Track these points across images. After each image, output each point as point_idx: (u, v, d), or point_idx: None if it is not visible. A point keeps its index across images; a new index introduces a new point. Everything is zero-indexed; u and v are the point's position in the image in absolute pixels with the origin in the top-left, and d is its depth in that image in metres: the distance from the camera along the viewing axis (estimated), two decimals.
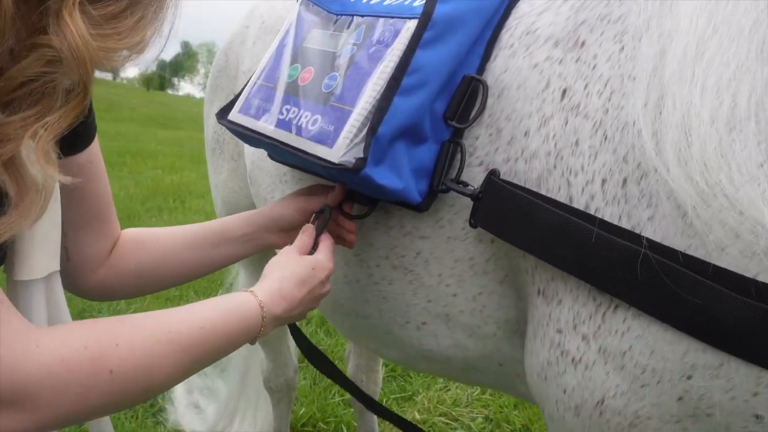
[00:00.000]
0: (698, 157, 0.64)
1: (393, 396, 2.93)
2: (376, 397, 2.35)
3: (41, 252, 0.76)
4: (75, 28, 0.58)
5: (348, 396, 2.70)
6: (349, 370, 2.24)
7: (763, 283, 0.61)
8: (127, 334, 0.66)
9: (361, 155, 0.81)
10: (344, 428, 2.73)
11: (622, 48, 0.77)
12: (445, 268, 0.96)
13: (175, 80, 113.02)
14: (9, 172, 0.59)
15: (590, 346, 0.76)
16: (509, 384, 1.02)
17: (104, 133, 12.26)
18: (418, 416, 2.88)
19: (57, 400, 0.61)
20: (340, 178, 0.91)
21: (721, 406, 0.66)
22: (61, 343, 0.62)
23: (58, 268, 0.79)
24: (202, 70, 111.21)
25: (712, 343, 0.65)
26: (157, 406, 2.48)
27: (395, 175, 0.84)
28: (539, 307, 0.83)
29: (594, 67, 0.78)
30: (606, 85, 0.77)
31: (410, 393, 2.97)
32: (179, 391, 2.44)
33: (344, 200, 0.99)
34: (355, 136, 0.83)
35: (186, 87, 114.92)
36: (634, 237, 0.69)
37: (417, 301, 1.01)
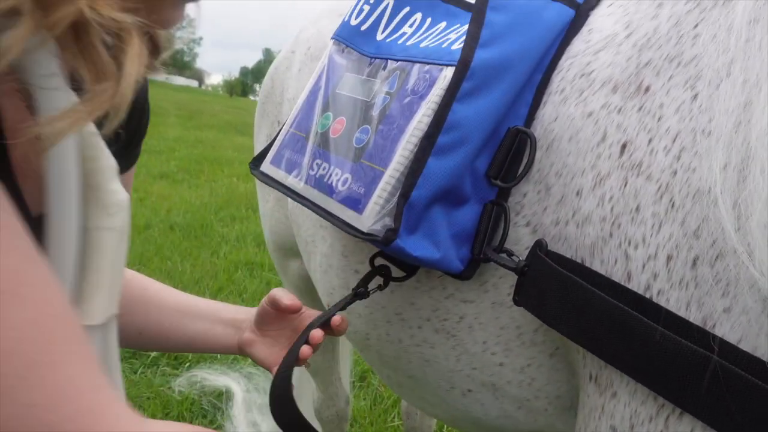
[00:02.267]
0: None
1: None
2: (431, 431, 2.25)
3: (104, 293, 0.68)
4: None
5: None
6: (403, 404, 2.16)
7: None
8: None
9: (392, 225, 0.72)
10: None
11: (695, 96, 0.64)
12: (491, 336, 0.85)
13: (257, 86, 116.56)
14: (83, 56, 0.48)
15: None
16: None
17: (185, 141, 12.77)
18: None
19: None
20: (371, 244, 0.83)
21: None
22: None
23: (116, 311, 0.72)
24: None
25: None
26: (216, 423, 2.49)
27: (432, 244, 0.75)
28: (591, 395, 0.72)
29: (660, 119, 0.66)
30: (674, 140, 0.65)
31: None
32: (239, 407, 2.44)
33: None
34: (387, 201, 0.74)
35: None
36: (703, 335, 0.57)
37: (461, 368, 0.91)
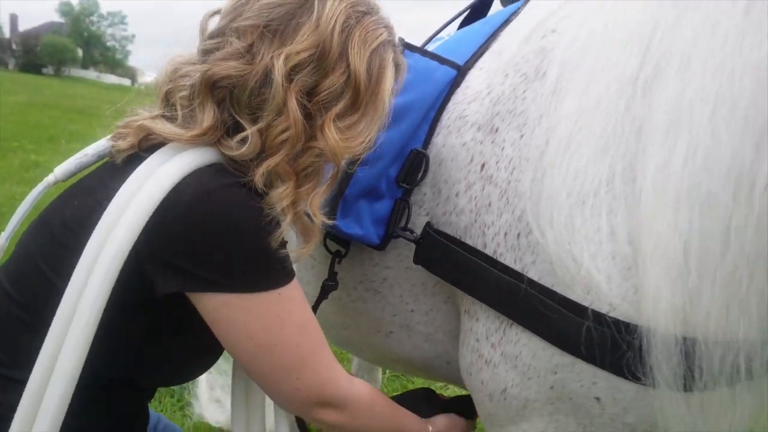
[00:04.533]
0: (556, 222, 0.94)
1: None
2: None
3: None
4: (331, 136, 0.94)
5: None
6: (353, 368, 2.55)
7: (593, 310, 0.91)
8: (390, 409, 1.16)
9: (333, 212, 1.12)
10: None
11: (522, 135, 1.06)
12: (405, 291, 1.26)
13: None
14: (298, 221, 1.00)
15: (496, 351, 1.06)
16: (456, 377, 1.32)
17: None
18: None
19: (357, 412, 1.07)
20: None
21: (575, 392, 0.97)
22: (366, 390, 1.10)
23: None
24: None
25: (566, 349, 0.95)
26: (183, 401, 2.76)
27: (358, 225, 1.15)
28: (465, 322, 1.13)
29: (503, 149, 1.08)
30: (510, 162, 1.06)
31: None
32: (203, 387, 2.74)
33: None
34: (329, 197, 1.14)
35: None
36: (519, 276, 0.99)
37: (385, 316, 1.31)
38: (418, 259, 1.15)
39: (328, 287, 1.27)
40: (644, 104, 0.91)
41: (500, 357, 1.05)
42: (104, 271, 0.88)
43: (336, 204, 1.13)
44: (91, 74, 72.50)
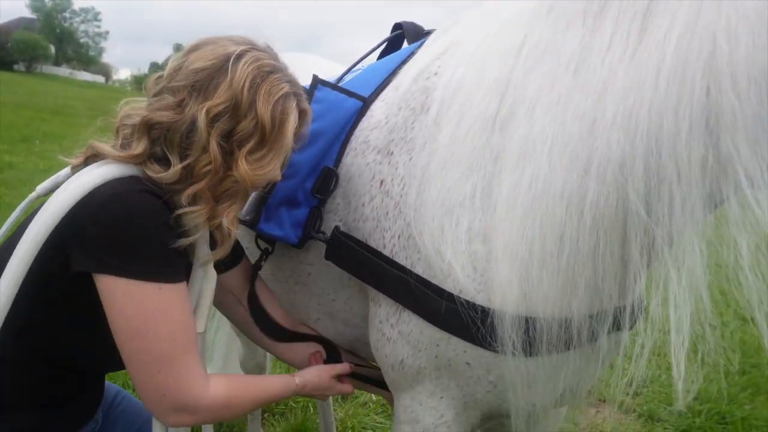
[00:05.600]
0: (429, 227, 1.21)
1: None
2: None
3: (205, 312, 1.39)
4: (243, 167, 1.20)
5: None
6: None
7: (457, 296, 1.18)
8: (250, 391, 1.34)
9: (257, 216, 1.41)
10: (310, 407, 3.28)
11: (410, 158, 1.32)
12: (326, 283, 1.52)
13: None
14: (218, 230, 1.29)
15: (394, 330, 1.33)
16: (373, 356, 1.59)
17: None
18: (374, 397, 3.42)
19: (210, 415, 1.27)
20: (245, 226, 1.47)
21: (452, 359, 1.24)
22: (221, 391, 1.25)
23: (204, 329, 1.40)
24: None
25: (442, 328, 1.22)
26: None
27: (278, 228, 1.42)
28: (372, 308, 1.40)
29: (396, 168, 1.34)
30: (401, 180, 1.32)
31: None
32: None
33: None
34: (253, 201, 1.41)
35: None
36: (408, 271, 1.26)
37: (311, 305, 1.57)
38: (328, 256, 1.41)
39: (255, 269, 1.54)
40: (500, 138, 1.18)
41: (397, 335, 1.32)
42: (25, 246, 1.14)
43: (260, 210, 1.40)
44: (63, 71, 71.61)
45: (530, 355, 1.17)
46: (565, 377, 1.22)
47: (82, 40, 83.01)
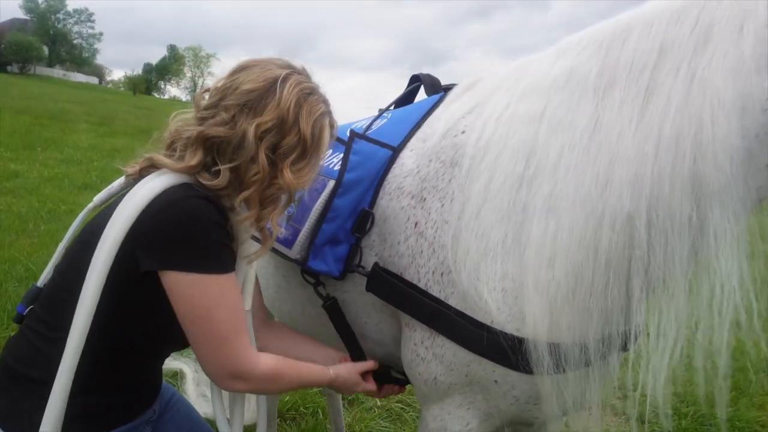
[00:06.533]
0: (467, 267, 1.42)
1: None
2: None
3: (250, 293, 1.60)
4: (288, 176, 1.38)
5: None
6: None
7: (489, 326, 1.41)
8: (294, 370, 1.51)
9: (306, 255, 1.62)
10: (320, 412, 3.49)
11: (443, 205, 1.53)
12: (360, 308, 1.74)
13: (162, 84, 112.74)
14: (262, 231, 1.47)
15: (428, 351, 1.54)
16: (398, 369, 1.80)
17: (100, 150, 12.86)
18: (379, 403, 3.65)
19: (259, 385, 1.45)
20: (297, 265, 1.70)
21: (481, 377, 1.46)
22: (270, 365, 1.44)
23: (250, 307, 1.59)
24: (188, 74, 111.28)
25: (474, 351, 1.44)
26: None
27: (324, 264, 1.63)
28: (406, 332, 1.62)
29: (429, 213, 1.54)
30: (435, 223, 1.53)
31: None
32: (190, 384, 3.15)
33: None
34: (303, 243, 1.63)
35: (172, 90, 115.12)
36: (442, 303, 1.48)
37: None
38: (369, 288, 1.62)
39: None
40: (528, 193, 1.40)
41: (432, 356, 1.54)
42: (104, 253, 1.29)
43: (308, 250, 1.62)
44: (57, 72, 71.49)
45: (558, 372, 1.40)
46: (587, 388, 1.45)
47: (75, 42, 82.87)
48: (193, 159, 1.37)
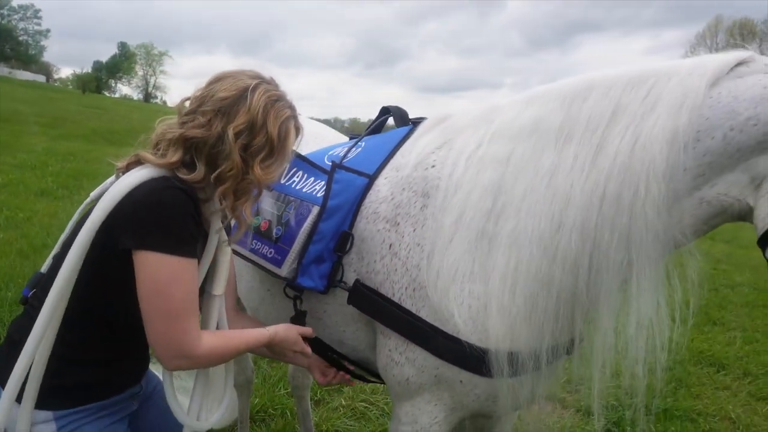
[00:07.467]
0: (439, 288, 1.65)
1: (325, 387, 3.87)
2: (309, 387, 3.34)
3: (223, 279, 1.79)
4: (258, 172, 1.58)
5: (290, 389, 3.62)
6: (290, 370, 3.23)
7: (455, 337, 1.64)
8: (234, 342, 1.68)
9: (294, 274, 1.83)
10: (288, 413, 3.66)
11: (414, 230, 1.74)
12: (339, 318, 1.95)
13: (112, 82, 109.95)
14: (237, 219, 1.67)
15: (402, 356, 1.76)
16: (373, 372, 2.01)
17: (55, 154, 12.63)
18: (344, 402, 3.86)
19: (202, 361, 1.60)
20: (285, 281, 1.90)
21: (449, 378, 1.69)
22: (211, 344, 1.59)
23: (222, 292, 1.79)
24: (140, 72, 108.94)
25: (442, 358, 1.67)
26: None
27: (310, 280, 1.84)
28: (381, 339, 1.83)
29: (403, 236, 1.76)
30: (408, 245, 1.74)
31: (338, 385, 3.90)
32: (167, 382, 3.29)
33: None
34: (292, 263, 1.83)
35: (123, 89, 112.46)
36: (414, 315, 1.70)
37: (326, 334, 2.00)
38: (350, 301, 1.84)
39: (301, 315, 1.96)
40: (494, 227, 1.62)
41: (405, 360, 1.76)
42: (86, 230, 1.50)
43: (296, 270, 1.83)
44: (2, 70, 69.05)
45: (514, 376, 1.64)
46: (536, 387, 1.70)
47: (21, 38, 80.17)
48: (174, 156, 1.57)
